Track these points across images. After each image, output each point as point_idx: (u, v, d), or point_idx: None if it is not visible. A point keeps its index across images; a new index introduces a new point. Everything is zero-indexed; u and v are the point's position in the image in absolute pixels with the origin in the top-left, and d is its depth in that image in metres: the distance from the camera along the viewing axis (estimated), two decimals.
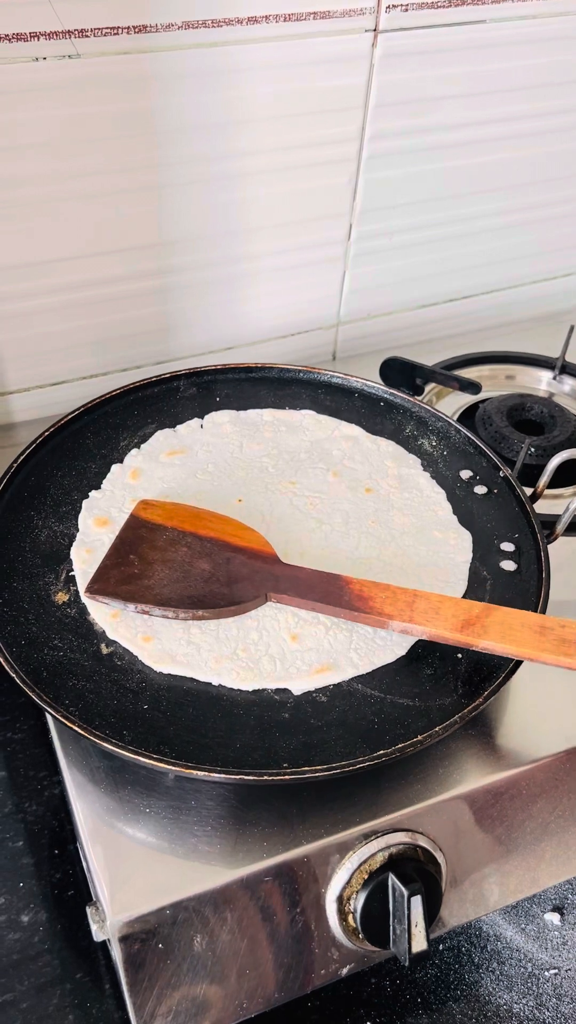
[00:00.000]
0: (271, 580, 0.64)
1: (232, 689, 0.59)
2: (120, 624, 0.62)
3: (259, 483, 0.74)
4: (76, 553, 0.68)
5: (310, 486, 0.74)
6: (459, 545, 0.70)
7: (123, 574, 0.64)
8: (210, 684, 0.60)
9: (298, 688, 0.60)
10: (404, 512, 0.73)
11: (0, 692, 0.81)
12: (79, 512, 0.71)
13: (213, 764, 0.54)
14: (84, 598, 0.64)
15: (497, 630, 0.58)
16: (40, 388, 0.89)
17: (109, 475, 0.74)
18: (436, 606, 0.60)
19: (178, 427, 0.80)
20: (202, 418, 0.81)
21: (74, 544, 0.68)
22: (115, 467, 0.75)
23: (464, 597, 0.66)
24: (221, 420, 0.81)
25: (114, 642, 0.62)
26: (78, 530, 0.70)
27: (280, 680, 0.60)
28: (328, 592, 0.62)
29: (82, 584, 0.65)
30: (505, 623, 0.58)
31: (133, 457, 0.76)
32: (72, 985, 0.64)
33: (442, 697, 0.59)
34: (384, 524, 0.72)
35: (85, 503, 0.72)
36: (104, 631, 0.62)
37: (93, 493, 0.73)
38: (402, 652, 0.62)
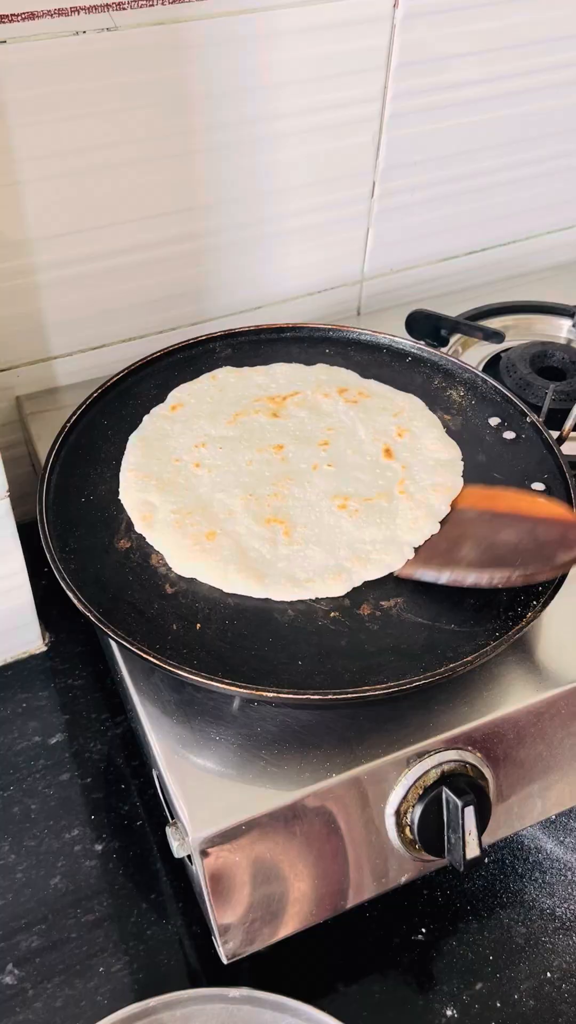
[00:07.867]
0: None
1: (293, 616, 0.64)
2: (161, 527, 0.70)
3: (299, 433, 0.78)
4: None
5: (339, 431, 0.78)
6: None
7: (430, 552, 0.68)
8: (271, 602, 0.64)
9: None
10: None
11: (57, 642, 0.85)
12: None
13: (280, 687, 0.58)
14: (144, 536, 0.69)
15: None
16: (82, 352, 0.91)
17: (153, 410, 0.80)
18: None
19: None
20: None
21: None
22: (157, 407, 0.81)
23: None
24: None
25: (178, 580, 0.66)
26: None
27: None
28: None
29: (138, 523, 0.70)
30: None
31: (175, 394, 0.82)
32: (147, 904, 0.69)
33: (486, 623, 0.63)
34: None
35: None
36: (169, 570, 0.67)
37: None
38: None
